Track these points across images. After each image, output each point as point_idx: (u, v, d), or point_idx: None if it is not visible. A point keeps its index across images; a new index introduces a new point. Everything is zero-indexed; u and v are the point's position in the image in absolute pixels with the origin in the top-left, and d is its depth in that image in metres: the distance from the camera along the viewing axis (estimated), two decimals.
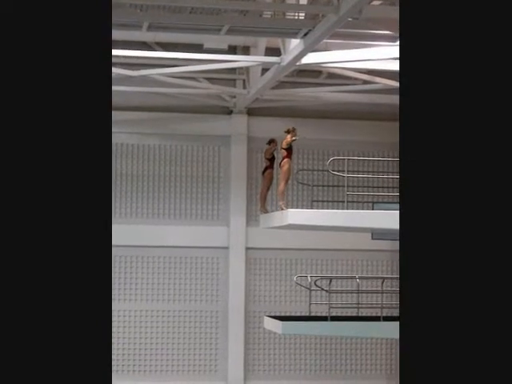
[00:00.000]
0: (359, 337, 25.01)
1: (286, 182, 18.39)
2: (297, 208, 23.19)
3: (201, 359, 28.85)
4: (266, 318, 20.28)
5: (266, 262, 29.33)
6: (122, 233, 28.16)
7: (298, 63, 21.48)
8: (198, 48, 25.64)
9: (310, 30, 18.48)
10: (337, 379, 28.73)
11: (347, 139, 28.11)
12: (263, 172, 19.85)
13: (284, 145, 18.52)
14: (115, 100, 28.82)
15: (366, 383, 29.05)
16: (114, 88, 26.65)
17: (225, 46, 26.11)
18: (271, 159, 19.74)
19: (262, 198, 19.77)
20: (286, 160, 18.44)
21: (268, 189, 19.57)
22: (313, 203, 22.19)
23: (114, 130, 30.01)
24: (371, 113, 28.44)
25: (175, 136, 28.91)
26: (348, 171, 19.58)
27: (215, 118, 28.96)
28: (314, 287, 20.91)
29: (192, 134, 28.90)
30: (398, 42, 19.07)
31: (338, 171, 20.76)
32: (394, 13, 14.79)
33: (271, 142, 19.54)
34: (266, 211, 19.98)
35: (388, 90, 26.40)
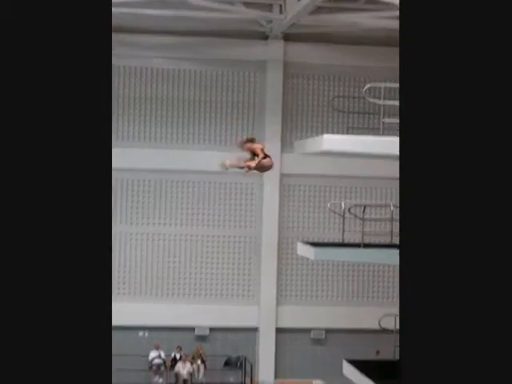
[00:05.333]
0: (391, 264, 25.04)
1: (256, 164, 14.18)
2: (332, 134, 23.01)
3: (234, 284, 29.12)
4: (299, 243, 20.33)
5: (300, 188, 29.35)
6: (159, 157, 28.30)
7: None
8: None
9: None
10: (368, 306, 28.90)
11: (384, 66, 27.73)
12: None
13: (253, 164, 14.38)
14: (151, 24, 28.71)
15: (397, 310, 29.21)
16: (149, 12, 26.57)
17: None
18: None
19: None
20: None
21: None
22: (348, 130, 22.05)
23: (149, 54, 29.97)
24: None
25: (210, 61, 28.74)
26: (384, 98, 19.40)
27: (251, 43, 28.71)
28: (347, 214, 20.90)
29: (228, 59, 28.71)
30: None
31: (374, 98, 20.58)
32: None
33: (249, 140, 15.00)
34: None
35: None
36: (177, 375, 27.56)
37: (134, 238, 28.80)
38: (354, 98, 27.14)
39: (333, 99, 25.35)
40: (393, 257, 18.81)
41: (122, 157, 27.34)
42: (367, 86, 20.33)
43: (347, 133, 21.35)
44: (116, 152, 28.12)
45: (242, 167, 13.90)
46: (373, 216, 25.29)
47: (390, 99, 20.65)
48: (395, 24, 27.12)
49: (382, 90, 19.79)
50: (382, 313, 23.55)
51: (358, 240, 20.27)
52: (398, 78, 8.04)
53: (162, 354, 28.04)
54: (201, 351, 28.17)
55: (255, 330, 28.99)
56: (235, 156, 14.34)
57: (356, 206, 23.56)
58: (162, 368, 28.08)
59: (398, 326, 15.64)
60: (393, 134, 18.06)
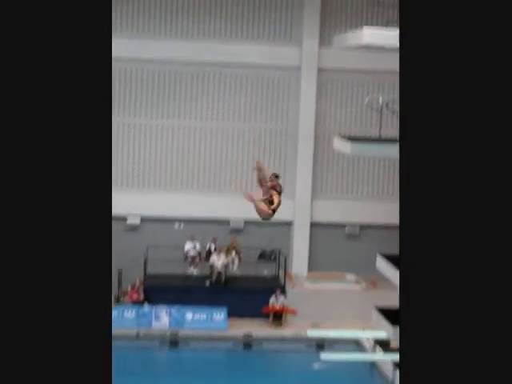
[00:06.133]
0: None
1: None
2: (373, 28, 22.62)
3: None
4: (335, 138, 20.26)
5: (337, 83, 29.10)
6: (192, 50, 28.12)
7: None
8: None
9: None
10: None
11: None
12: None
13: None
14: None
15: None
16: None
17: None
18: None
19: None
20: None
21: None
22: (388, 23, 21.66)
23: None
24: None
25: None
26: None
27: None
28: (385, 110, 20.70)
29: None
30: None
31: None
32: None
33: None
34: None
35: None
36: (211, 267, 27.98)
37: (171, 131, 28.87)
38: None
39: None
40: None
41: (155, 49, 27.23)
42: None
43: (387, 26, 20.98)
44: (145, 43, 27.98)
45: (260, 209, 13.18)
46: None
47: None
48: None
49: None
50: None
51: (395, 136, 20.15)
52: None
53: (198, 246, 28.43)
54: (235, 244, 28.50)
55: (290, 223, 29.22)
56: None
57: (394, 101, 23.32)
58: (197, 259, 28.50)
59: None
60: None
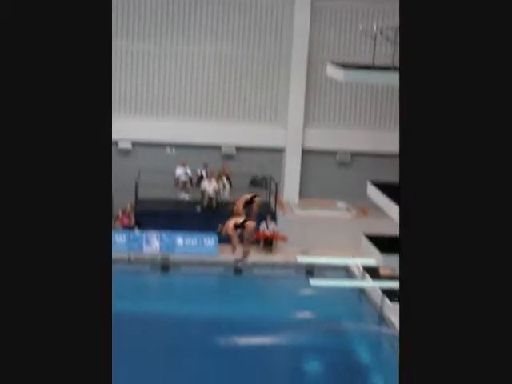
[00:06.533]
0: None
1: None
2: None
3: (262, 104, 29.12)
4: (328, 65, 20.11)
5: (332, 10, 28.79)
6: None
7: None
8: None
9: None
10: (395, 131, 28.85)
11: None
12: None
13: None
14: None
15: None
16: None
17: None
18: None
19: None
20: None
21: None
22: None
23: None
24: None
25: None
26: None
27: None
28: (379, 37, 20.50)
29: None
30: None
31: None
32: None
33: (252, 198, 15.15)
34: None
35: None
36: (202, 192, 28.04)
37: (163, 57, 28.62)
38: None
39: None
40: None
41: None
42: None
43: None
44: None
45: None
46: None
47: None
48: None
49: None
50: None
51: (388, 63, 20.00)
52: None
53: (189, 171, 28.44)
54: (227, 170, 28.53)
55: (281, 150, 29.22)
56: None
57: (388, 28, 23.11)
58: (188, 185, 28.55)
59: None
60: None
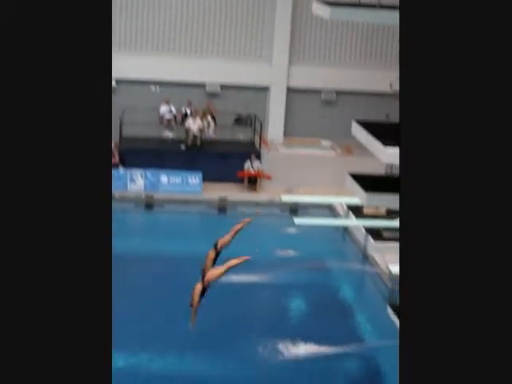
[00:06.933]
0: None
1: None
2: None
3: (247, 42, 28.88)
4: (314, 2, 19.89)
5: None
6: None
7: None
8: None
9: None
10: (381, 69, 28.73)
11: None
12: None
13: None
14: None
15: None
16: None
17: None
18: None
19: None
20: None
21: None
22: None
23: None
24: None
25: None
26: None
27: None
28: None
29: None
30: None
31: None
32: None
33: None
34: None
35: None
36: (187, 130, 27.94)
37: None
38: None
39: None
40: None
41: None
42: None
43: None
44: None
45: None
46: None
47: None
48: None
49: None
50: (394, 76, 23.46)
51: (374, 1, 19.85)
52: None
53: (173, 109, 28.29)
54: (211, 108, 28.40)
55: (266, 89, 29.08)
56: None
57: None
58: (173, 123, 28.43)
59: None
60: None
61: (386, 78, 26.46)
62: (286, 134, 29.35)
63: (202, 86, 28.79)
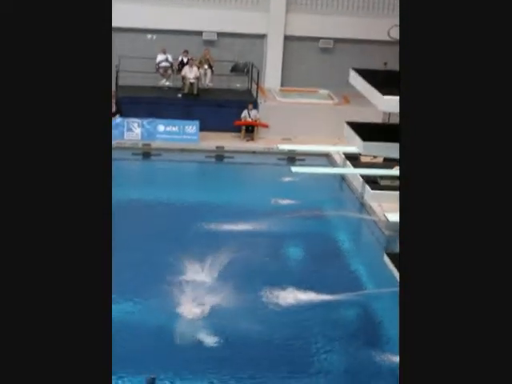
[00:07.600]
0: None
1: None
2: None
3: None
4: None
5: None
6: None
7: None
8: None
9: None
10: (378, 17, 28.56)
11: None
12: None
13: None
14: None
15: None
16: None
17: None
18: None
19: None
20: None
21: None
22: None
23: None
24: None
25: None
26: None
27: None
28: None
29: None
30: None
31: None
32: None
33: None
34: None
35: None
36: (183, 79, 27.81)
37: None
38: None
39: None
40: None
41: None
42: None
43: None
44: None
45: None
46: None
47: None
48: None
49: None
50: (392, 23, 23.32)
51: None
52: None
53: (170, 58, 28.14)
54: (208, 56, 28.24)
55: (263, 36, 28.90)
56: None
57: None
58: (169, 71, 28.28)
59: None
60: None
61: (383, 26, 26.32)
62: (283, 82, 29.23)
63: (198, 33, 28.61)
